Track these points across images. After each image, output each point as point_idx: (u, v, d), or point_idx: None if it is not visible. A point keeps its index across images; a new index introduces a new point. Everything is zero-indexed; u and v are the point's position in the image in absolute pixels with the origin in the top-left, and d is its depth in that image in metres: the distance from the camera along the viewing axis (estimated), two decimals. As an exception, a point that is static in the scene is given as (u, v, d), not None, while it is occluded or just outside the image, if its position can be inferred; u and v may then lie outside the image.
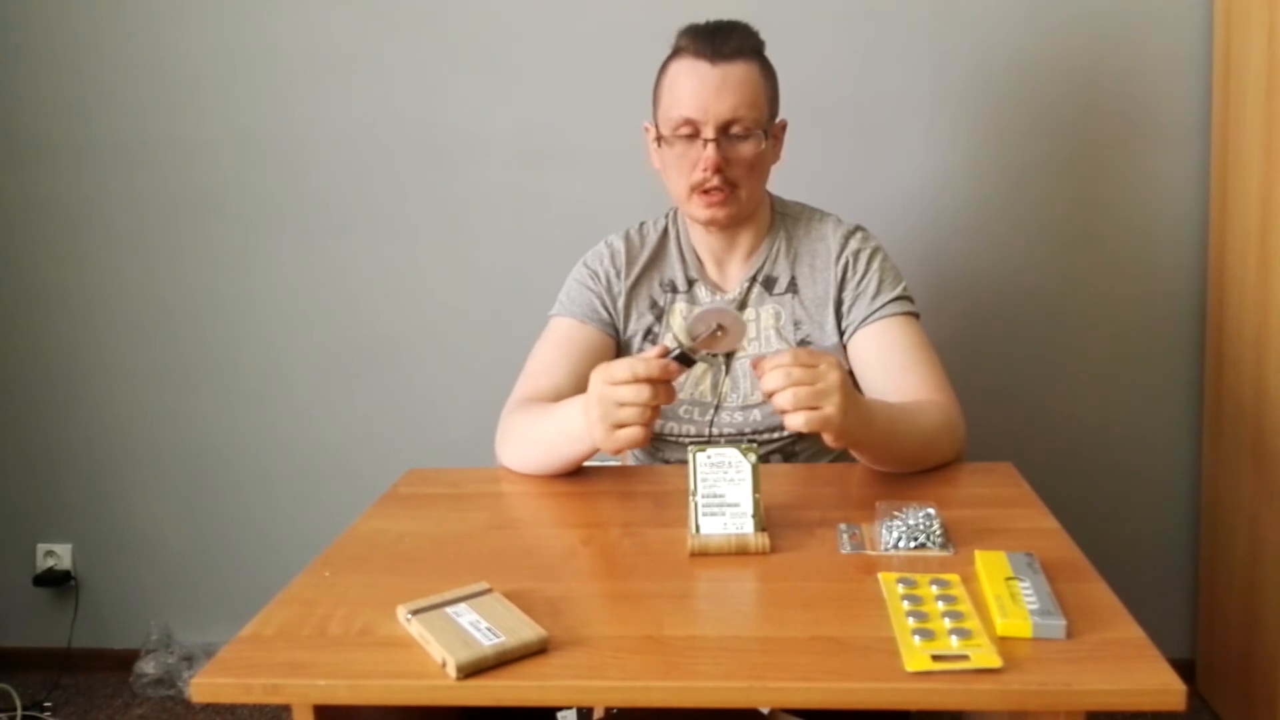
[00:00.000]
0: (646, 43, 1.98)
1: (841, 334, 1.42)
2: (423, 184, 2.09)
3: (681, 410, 1.43)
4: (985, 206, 2.00)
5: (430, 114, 2.06)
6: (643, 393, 1.06)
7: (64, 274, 2.19)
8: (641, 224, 1.51)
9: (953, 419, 1.30)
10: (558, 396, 1.33)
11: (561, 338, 1.45)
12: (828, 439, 1.07)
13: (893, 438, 1.19)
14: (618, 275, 1.47)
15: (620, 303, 1.46)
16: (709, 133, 1.32)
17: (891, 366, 1.36)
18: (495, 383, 2.13)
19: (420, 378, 2.17)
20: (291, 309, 2.16)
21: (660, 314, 1.46)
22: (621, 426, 1.07)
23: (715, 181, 1.34)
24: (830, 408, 1.04)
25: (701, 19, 1.44)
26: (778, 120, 1.43)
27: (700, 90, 1.32)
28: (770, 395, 1.05)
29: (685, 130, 1.34)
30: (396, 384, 2.17)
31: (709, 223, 1.40)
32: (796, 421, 1.04)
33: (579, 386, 1.30)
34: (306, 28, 2.06)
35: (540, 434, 1.28)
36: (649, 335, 1.46)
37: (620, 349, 1.47)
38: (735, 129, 1.34)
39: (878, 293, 1.40)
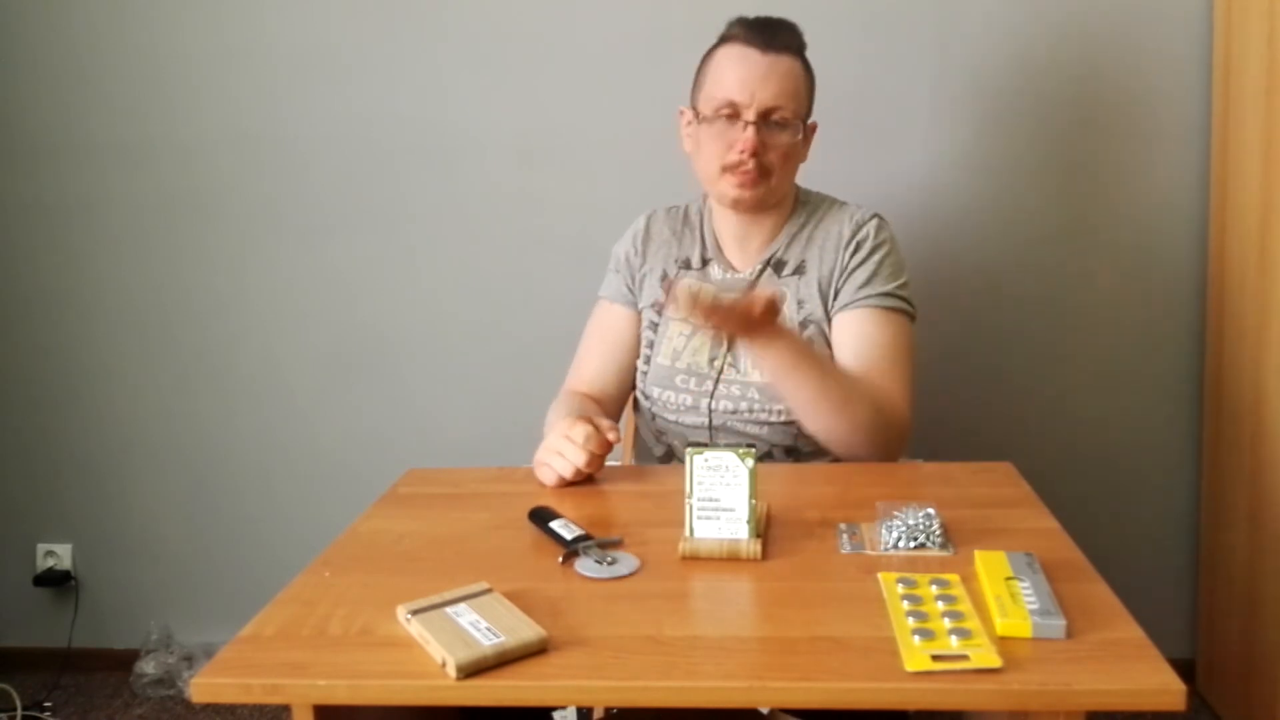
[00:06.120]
0: (646, 43, 2.00)
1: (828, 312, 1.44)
2: (422, 184, 2.09)
3: (678, 379, 1.46)
4: (985, 206, 1.99)
5: (430, 114, 2.06)
6: (579, 458, 1.21)
7: (64, 274, 2.19)
8: (671, 206, 1.57)
9: (891, 417, 1.32)
10: (595, 386, 1.51)
11: (601, 324, 1.55)
12: (760, 345, 1.21)
13: (820, 375, 1.28)
14: (637, 254, 1.54)
15: (638, 279, 1.53)
16: (750, 116, 1.37)
17: (860, 355, 1.38)
18: (494, 383, 2.16)
19: (420, 378, 2.17)
20: (291, 309, 2.16)
21: (669, 287, 1.49)
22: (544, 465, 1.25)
23: (750, 165, 1.37)
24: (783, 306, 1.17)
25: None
26: (810, 121, 1.47)
27: (747, 75, 1.37)
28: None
29: (727, 111, 1.38)
30: (396, 384, 2.17)
31: (735, 202, 1.43)
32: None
33: (615, 373, 1.53)
34: (306, 28, 2.06)
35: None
36: (655, 307, 1.50)
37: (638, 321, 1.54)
38: (775, 116, 1.38)
39: (867, 282, 1.42)
